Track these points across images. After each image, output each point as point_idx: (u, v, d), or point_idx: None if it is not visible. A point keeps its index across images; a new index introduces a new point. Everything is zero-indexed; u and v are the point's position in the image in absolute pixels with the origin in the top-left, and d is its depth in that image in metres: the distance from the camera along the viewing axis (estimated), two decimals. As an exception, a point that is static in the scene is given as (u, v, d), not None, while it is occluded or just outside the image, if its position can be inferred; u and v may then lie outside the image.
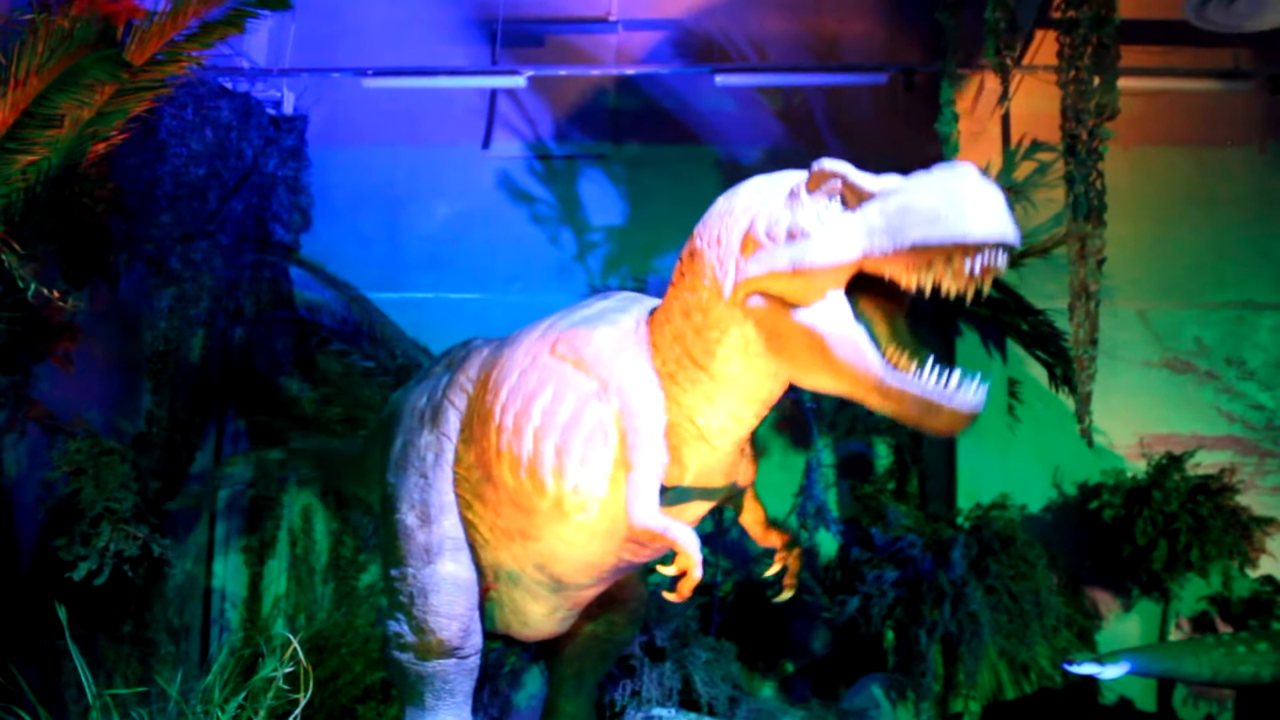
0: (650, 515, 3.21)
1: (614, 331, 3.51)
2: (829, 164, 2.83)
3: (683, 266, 3.27)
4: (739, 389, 3.26)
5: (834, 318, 2.80)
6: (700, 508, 3.60)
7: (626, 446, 3.33)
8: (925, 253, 2.57)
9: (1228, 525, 6.88)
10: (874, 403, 2.81)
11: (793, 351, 2.94)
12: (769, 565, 4.01)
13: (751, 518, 4.03)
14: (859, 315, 2.83)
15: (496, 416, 3.68)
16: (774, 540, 4.00)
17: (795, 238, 2.85)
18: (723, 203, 3.18)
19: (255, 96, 7.99)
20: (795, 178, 2.99)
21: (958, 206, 2.53)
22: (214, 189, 7.52)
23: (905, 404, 2.73)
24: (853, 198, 2.79)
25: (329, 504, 7.82)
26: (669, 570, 3.28)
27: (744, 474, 3.79)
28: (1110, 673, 5.91)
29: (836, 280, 2.79)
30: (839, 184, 2.81)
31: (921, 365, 2.73)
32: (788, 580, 3.76)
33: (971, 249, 2.52)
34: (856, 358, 2.77)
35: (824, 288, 2.80)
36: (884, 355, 2.77)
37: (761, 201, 3.02)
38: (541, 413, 3.51)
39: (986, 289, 2.62)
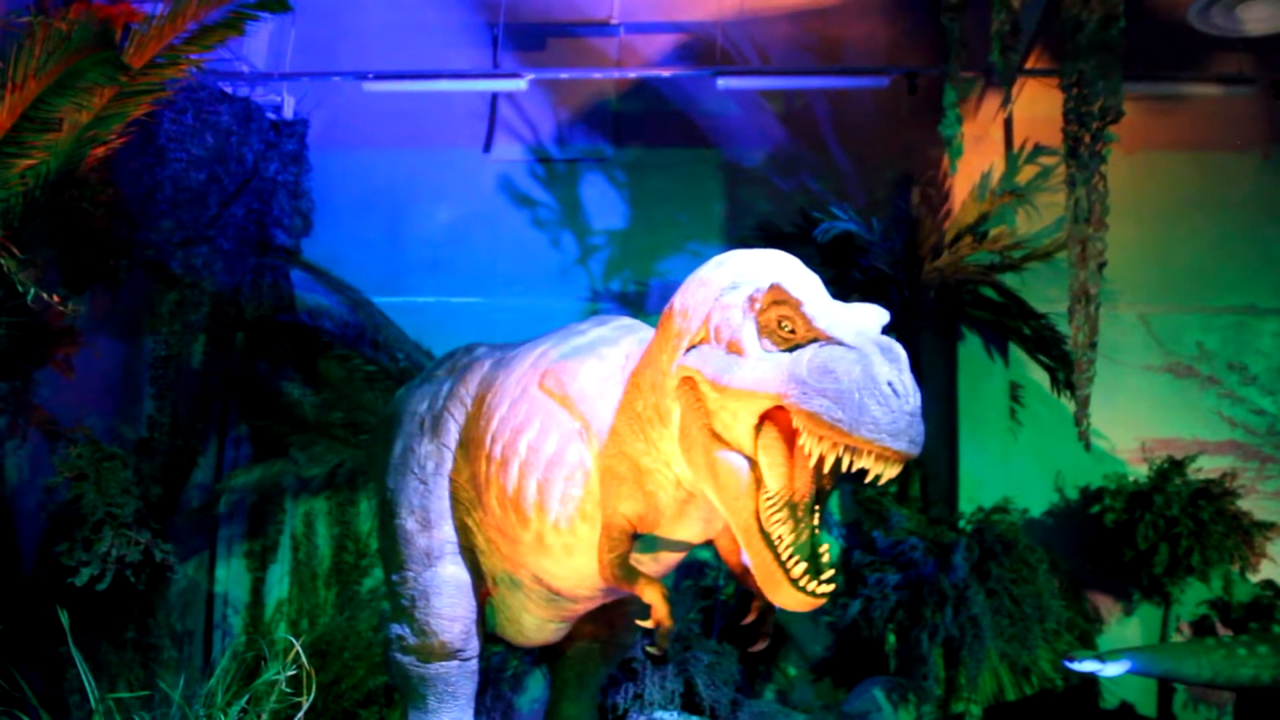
0: (618, 571, 3.27)
1: (601, 368, 3.49)
2: (790, 286, 2.77)
3: (662, 319, 3.18)
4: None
5: (733, 450, 2.80)
6: (683, 548, 3.56)
7: (602, 492, 3.34)
8: (815, 426, 2.55)
9: (1229, 530, 6.88)
10: (741, 541, 2.81)
11: (692, 451, 2.93)
12: None
13: (729, 548, 3.74)
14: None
15: (486, 445, 3.73)
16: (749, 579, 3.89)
17: (732, 351, 2.80)
18: (704, 271, 3.10)
19: (255, 101, 7.97)
20: (761, 280, 2.87)
21: (865, 403, 2.50)
22: (214, 193, 7.50)
23: (756, 560, 2.75)
24: (801, 329, 2.72)
25: (331, 508, 7.81)
26: (647, 624, 3.31)
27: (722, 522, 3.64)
28: (1111, 670, 5.91)
29: (752, 412, 2.75)
30: (789, 312, 2.74)
31: (798, 549, 2.73)
32: (763, 630, 3.70)
33: (861, 450, 2.52)
34: (737, 492, 2.77)
35: (741, 412, 2.77)
36: (767, 512, 2.75)
37: (724, 294, 2.93)
38: (528, 447, 3.53)
39: (883, 480, 2.60)
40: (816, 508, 2.82)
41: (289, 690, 4.31)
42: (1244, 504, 7.03)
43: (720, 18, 8.39)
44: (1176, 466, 7.09)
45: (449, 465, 4.08)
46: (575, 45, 8.60)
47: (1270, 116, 7.92)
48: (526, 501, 3.51)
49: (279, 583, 7.87)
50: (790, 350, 2.70)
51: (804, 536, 2.76)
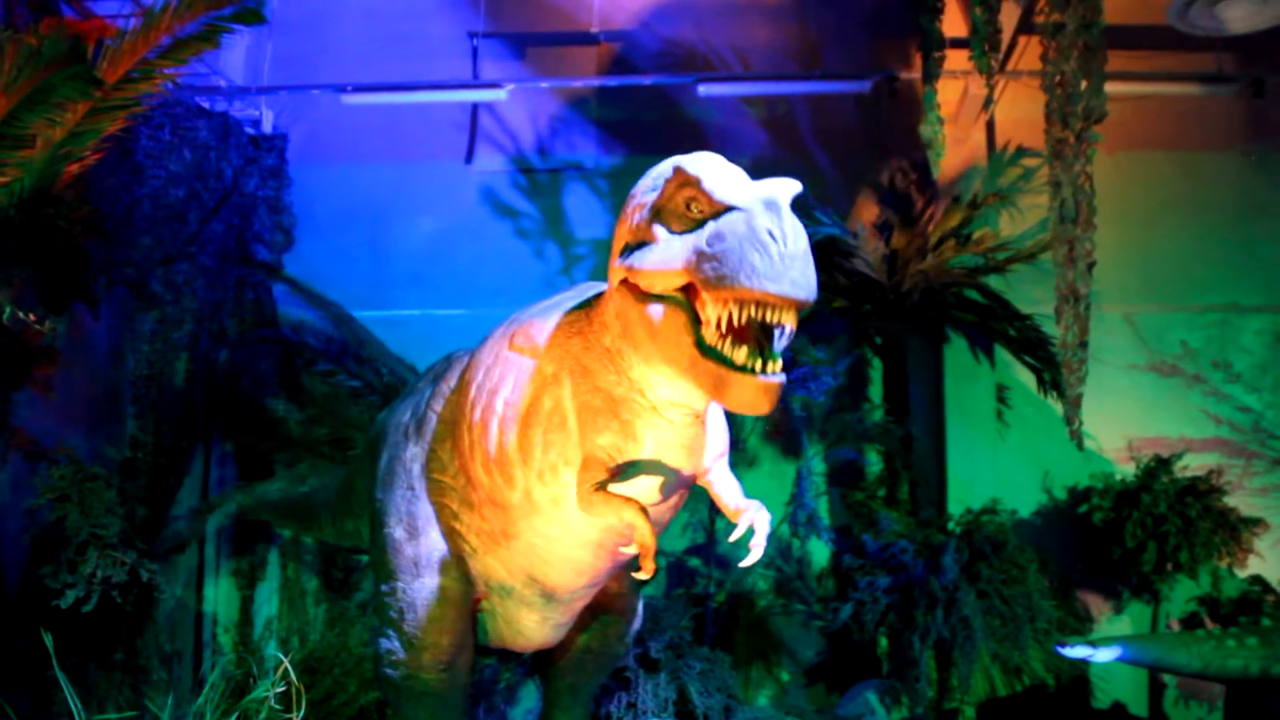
0: (591, 499, 3.24)
1: (567, 319, 3.49)
2: (689, 166, 2.85)
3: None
4: (661, 372, 3.22)
5: (663, 302, 2.87)
6: (669, 486, 3.45)
7: (580, 432, 3.32)
8: (709, 287, 2.67)
9: (1216, 526, 6.91)
10: (693, 380, 2.88)
11: (634, 334, 3.02)
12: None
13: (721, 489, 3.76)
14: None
15: (467, 414, 3.72)
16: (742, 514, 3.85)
17: (645, 239, 2.93)
18: (640, 182, 3.16)
19: (234, 116, 7.94)
20: (669, 168, 2.96)
21: (749, 254, 2.60)
22: (194, 210, 7.47)
23: (703, 374, 2.81)
24: (705, 206, 2.81)
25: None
26: (630, 550, 3.31)
27: (711, 447, 3.62)
28: (1102, 656, 5.93)
29: (671, 285, 2.84)
30: (693, 192, 2.83)
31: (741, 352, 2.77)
32: (755, 542, 3.66)
33: (750, 301, 2.62)
34: (675, 333, 2.84)
35: (664, 288, 2.86)
36: (704, 337, 2.81)
37: (646, 188, 3.04)
38: (504, 404, 3.53)
39: (778, 347, 2.76)
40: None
41: (279, 707, 4.28)
42: (1230, 500, 7.07)
43: (700, 24, 8.39)
44: (1163, 465, 7.12)
45: (435, 464, 4.07)
46: (556, 54, 8.59)
47: (1251, 115, 7.97)
48: (509, 458, 3.50)
49: (268, 600, 7.81)
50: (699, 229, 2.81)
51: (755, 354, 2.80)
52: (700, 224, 2.80)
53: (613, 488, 3.25)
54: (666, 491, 3.45)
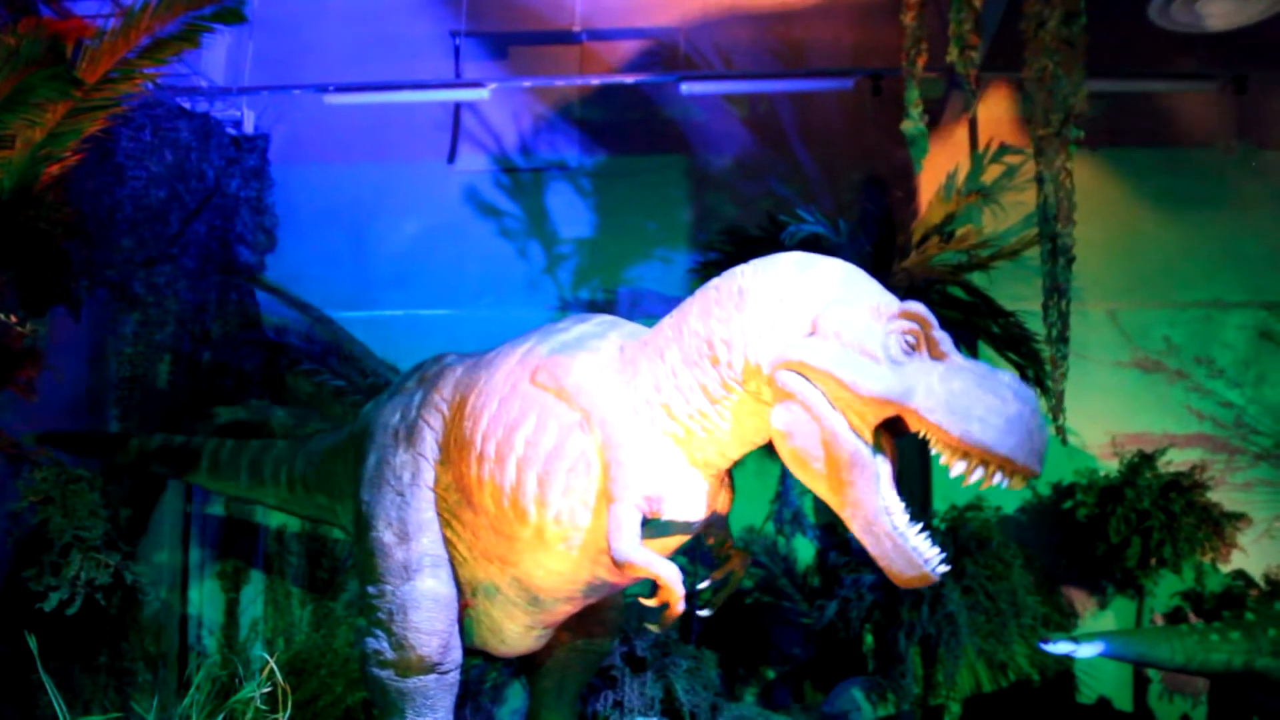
0: (632, 549, 3.24)
1: (595, 360, 3.53)
2: (919, 309, 2.96)
3: (718, 297, 3.29)
4: (736, 433, 3.33)
5: (864, 445, 2.95)
6: (682, 537, 3.61)
7: (609, 479, 3.35)
8: (970, 446, 2.79)
9: (1199, 522, 6.95)
10: (855, 529, 2.99)
11: (806, 445, 3.02)
12: (753, 569, 4.03)
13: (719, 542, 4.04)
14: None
15: (478, 445, 3.70)
16: (734, 562, 4.03)
17: (863, 355, 2.95)
18: (793, 265, 3.22)
19: (215, 116, 7.90)
20: (881, 293, 3.11)
21: (1019, 431, 2.78)
22: (175, 211, 7.43)
23: (885, 548, 2.93)
24: (924, 348, 2.95)
25: (304, 525, 7.74)
26: (651, 603, 3.31)
27: (722, 502, 3.80)
28: (1085, 652, 5.95)
29: (880, 415, 2.94)
30: (919, 330, 2.95)
31: (911, 523, 2.94)
32: (713, 601, 3.91)
33: (1010, 470, 2.81)
34: (866, 488, 2.93)
35: (867, 414, 2.95)
36: (894, 502, 2.98)
37: (838, 295, 3.09)
38: (525, 443, 3.53)
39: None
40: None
41: (265, 708, 4.28)
42: (1214, 496, 7.10)
43: (683, 23, 8.39)
44: (1147, 460, 7.15)
45: (426, 475, 4.07)
46: (538, 53, 8.57)
47: (1233, 112, 7.99)
48: (526, 497, 3.52)
49: (253, 602, 7.79)
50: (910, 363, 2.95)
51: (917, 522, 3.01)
52: (895, 359, 2.94)
53: (636, 533, 3.29)
54: (682, 540, 3.62)
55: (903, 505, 2.98)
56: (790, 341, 3.07)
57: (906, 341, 2.93)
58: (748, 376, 3.19)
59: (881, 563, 2.96)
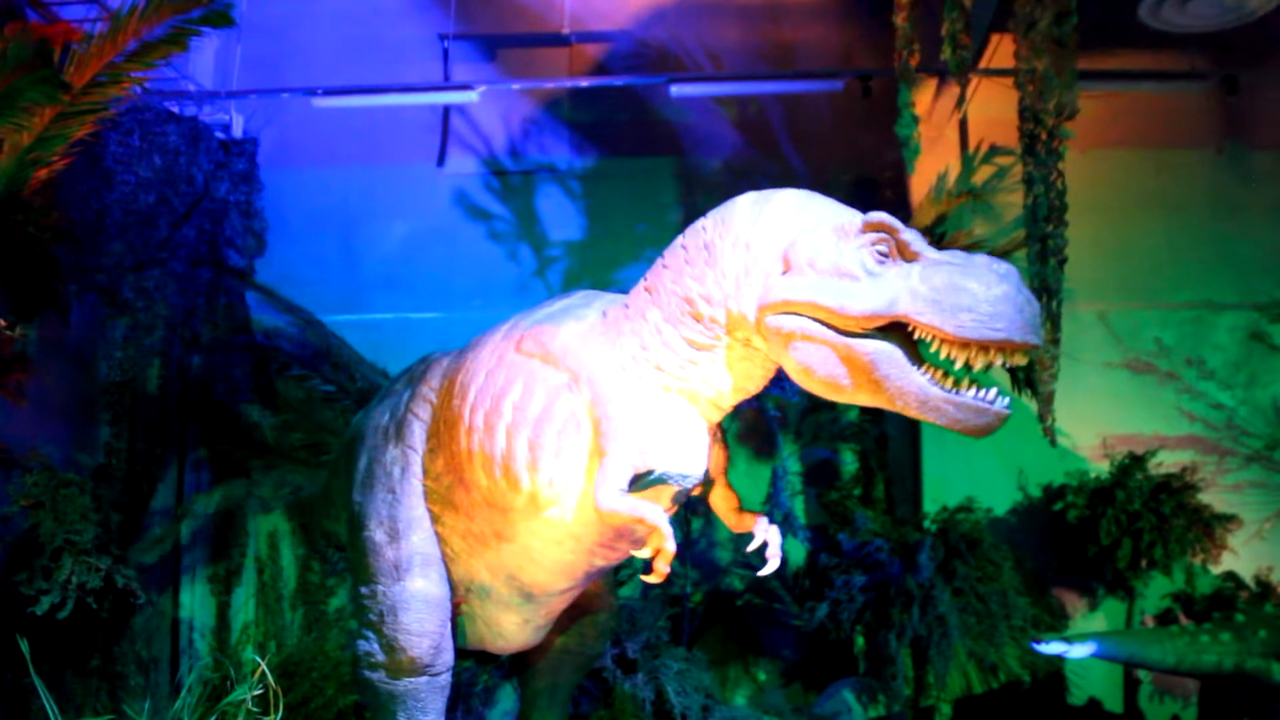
0: (615, 498, 3.20)
1: (579, 325, 3.51)
2: (883, 217, 2.95)
3: (688, 255, 3.27)
4: (727, 381, 3.32)
5: (874, 340, 2.93)
6: (676, 490, 3.51)
7: (600, 435, 3.32)
8: (967, 338, 2.77)
9: (1190, 523, 6.95)
10: (913, 413, 2.95)
11: (829, 369, 3.01)
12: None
13: (725, 505, 3.95)
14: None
15: (466, 418, 3.67)
16: (747, 523, 3.96)
17: (840, 277, 2.95)
18: (750, 208, 3.21)
19: (203, 120, 7.88)
20: (841, 212, 3.11)
21: (1009, 311, 2.75)
22: (164, 215, 7.43)
23: (949, 413, 2.89)
24: (897, 254, 2.94)
25: (295, 529, 7.75)
26: (643, 552, 3.29)
27: (716, 458, 3.77)
28: (1077, 652, 5.97)
29: (867, 326, 2.92)
30: (888, 238, 2.94)
31: (959, 381, 2.89)
32: (771, 553, 3.77)
33: (1010, 350, 2.76)
34: (902, 375, 2.90)
35: (857, 327, 2.93)
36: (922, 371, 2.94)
37: (803, 225, 3.09)
38: (512, 409, 3.50)
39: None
40: None
41: (256, 710, 4.28)
42: (1204, 497, 7.11)
43: (672, 25, 8.38)
44: (1137, 462, 7.16)
45: (415, 466, 4.05)
46: (527, 56, 8.57)
47: (1223, 112, 7.99)
48: (518, 463, 3.48)
49: (244, 606, 7.80)
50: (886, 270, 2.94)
51: (963, 377, 2.93)
52: (872, 271, 2.93)
53: (623, 484, 3.25)
54: (677, 499, 3.53)
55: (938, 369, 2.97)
56: (768, 284, 3.07)
57: (879, 252, 2.94)
58: (734, 326, 3.19)
59: (955, 429, 2.94)
